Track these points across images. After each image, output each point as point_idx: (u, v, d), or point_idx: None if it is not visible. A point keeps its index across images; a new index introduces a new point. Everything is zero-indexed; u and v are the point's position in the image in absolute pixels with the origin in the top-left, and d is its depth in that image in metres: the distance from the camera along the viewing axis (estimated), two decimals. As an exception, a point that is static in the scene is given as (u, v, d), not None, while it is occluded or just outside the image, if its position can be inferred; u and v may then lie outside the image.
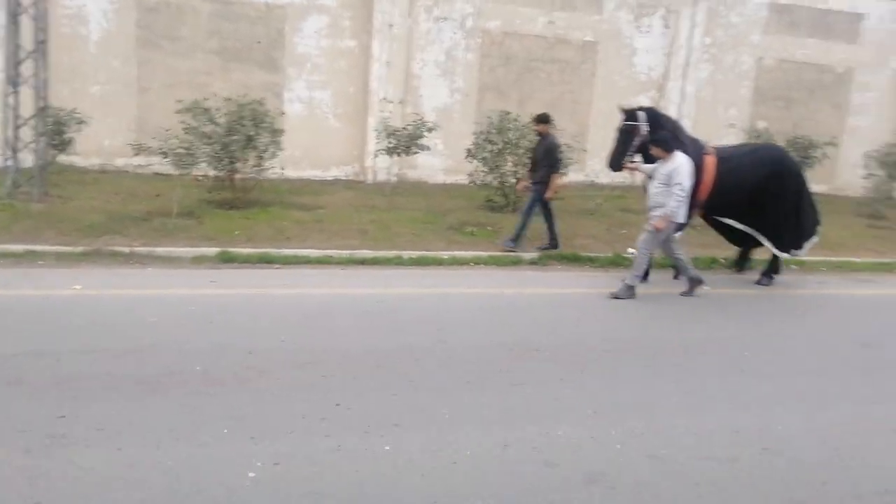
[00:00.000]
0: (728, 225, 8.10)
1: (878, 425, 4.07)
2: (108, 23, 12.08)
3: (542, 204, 8.83)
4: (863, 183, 14.67)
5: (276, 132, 9.99)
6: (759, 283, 8.11)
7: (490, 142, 10.85)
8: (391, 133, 11.23)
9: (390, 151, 11.37)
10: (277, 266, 7.75)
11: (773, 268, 8.21)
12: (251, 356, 4.49)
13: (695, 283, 7.19)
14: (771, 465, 3.47)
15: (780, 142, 12.80)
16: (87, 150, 12.10)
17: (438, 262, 8.38)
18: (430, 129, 11.04)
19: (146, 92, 12.38)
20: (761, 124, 14.88)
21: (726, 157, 7.71)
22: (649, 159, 7.35)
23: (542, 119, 8.97)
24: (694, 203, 7.29)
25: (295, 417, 3.65)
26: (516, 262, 8.63)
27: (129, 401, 3.72)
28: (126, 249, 7.64)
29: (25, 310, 5.37)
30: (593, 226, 10.56)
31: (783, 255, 8.08)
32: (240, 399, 3.83)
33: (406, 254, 8.45)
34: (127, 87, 12.31)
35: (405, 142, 11.01)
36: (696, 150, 7.36)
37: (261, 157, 9.93)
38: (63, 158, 11.12)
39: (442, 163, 13.77)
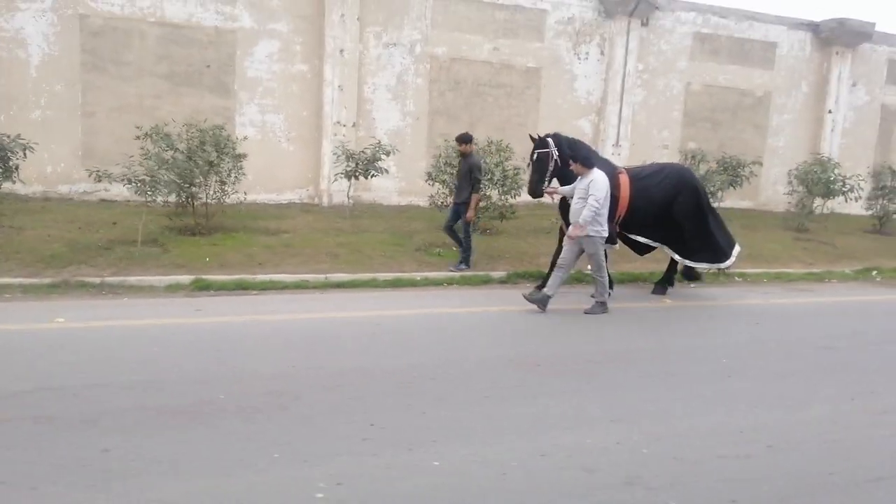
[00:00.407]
0: (637, 241, 8.56)
1: (855, 419, 4.54)
2: (49, 47, 11.67)
3: (466, 226, 9.08)
4: (784, 199, 15.86)
5: (239, 157, 9.94)
6: (654, 292, 8.70)
7: (449, 164, 11.14)
8: (350, 156, 11.37)
9: (348, 175, 11.50)
10: (255, 292, 7.75)
11: (668, 279, 8.86)
12: (274, 381, 4.55)
13: (602, 307, 7.35)
14: (780, 459, 3.84)
15: (712, 162, 13.77)
16: (29, 177, 11.51)
17: (413, 284, 8.57)
18: (387, 153, 11.23)
19: (91, 116, 12.01)
20: (691, 145, 15.89)
21: (637, 176, 8.22)
22: (564, 182, 7.83)
23: (464, 139, 9.10)
24: (612, 218, 7.66)
25: (339, 439, 3.75)
26: (487, 281, 8.92)
27: (172, 432, 3.72)
28: (96, 280, 7.46)
29: (18, 345, 5.19)
30: (552, 244, 10.98)
31: (699, 266, 8.70)
32: (280, 424, 3.90)
33: (381, 276, 8.60)
34: (71, 112, 11.90)
35: (364, 165, 11.17)
36: (609, 169, 7.77)
37: (223, 183, 9.84)
38: (6, 186, 10.62)
39: (395, 185, 13.97)
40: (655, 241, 8.49)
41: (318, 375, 4.75)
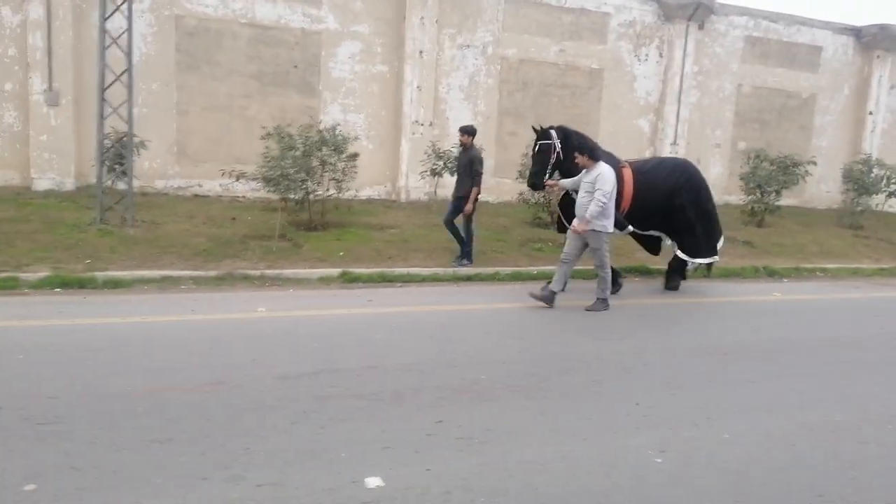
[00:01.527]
0: (642, 235, 8.47)
1: None
2: (147, 46, 11.96)
3: (467, 219, 8.89)
4: (827, 196, 16.51)
5: (353, 156, 10.32)
6: (667, 288, 8.59)
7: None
8: (438, 154, 11.82)
9: (434, 172, 11.95)
10: (399, 284, 8.16)
11: (679, 273, 8.64)
12: (519, 365, 5.01)
13: (603, 304, 7.17)
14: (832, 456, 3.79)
15: (769, 162, 14.28)
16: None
17: (531, 277, 9.01)
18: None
19: (185, 115, 12.32)
20: (741, 144, 16.49)
21: (640, 170, 8.07)
22: (564, 175, 7.66)
23: (468, 131, 8.99)
24: (620, 212, 7.49)
25: (612, 418, 4.19)
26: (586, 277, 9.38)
27: (475, 406, 4.16)
28: (255, 272, 7.84)
29: (250, 333, 5.59)
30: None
31: (693, 262, 8.43)
32: (557, 402, 4.35)
33: (502, 270, 9.03)
34: (166, 110, 12.20)
35: (452, 162, 11.60)
36: (613, 163, 7.52)
37: (338, 181, 10.23)
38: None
39: (466, 182, 14.37)
40: (661, 231, 8.40)
41: (553, 359, 5.21)
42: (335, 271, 8.17)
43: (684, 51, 15.75)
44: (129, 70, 9.20)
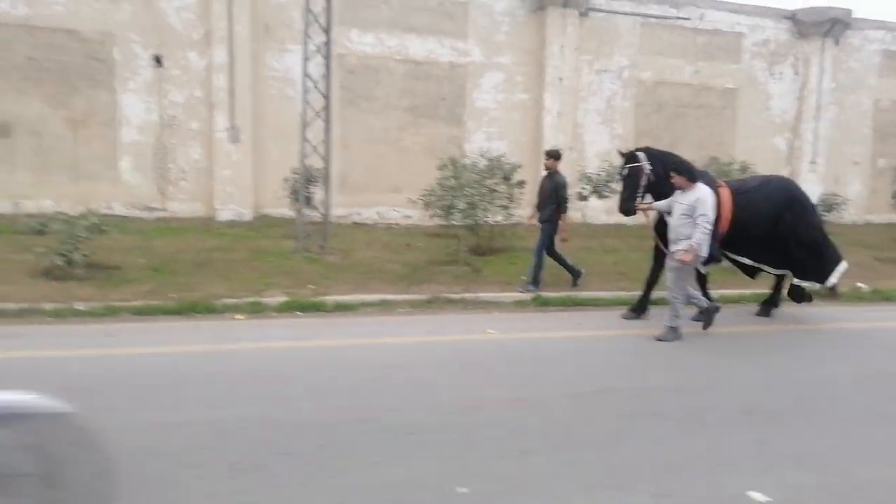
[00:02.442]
0: (745, 263, 7.92)
1: None
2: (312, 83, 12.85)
3: (547, 244, 8.69)
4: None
5: (520, 183, 10.77)
6: (759, 314, 8.07)
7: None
8: (588, 179, 12.13)
9: (582, 196, 12.24)
10: (591, 308, 8.47)
11: (773, 300, 8.12)
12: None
13: (674, 332, 6.69)
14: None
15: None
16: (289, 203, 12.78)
17: (737, 300, 9.01)
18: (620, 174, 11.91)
19: (347, 147, 13.13)
20: (881, 162, 16.08)
21: (738, 190, 7.54)
22: (657, 197, 7.28)
23: (553, 155, 8.79)
24: (715, 236, 6.92)
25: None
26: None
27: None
28: (455, 296, 8.32)
29: (507, 354, 6.04)
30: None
31: (802, 283, 7.86)
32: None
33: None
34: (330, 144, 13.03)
35: (601, 186, 11.88)
36: (709, 183, 7.05)
37: (506, 207, 10.70)
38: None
39: (603, 204, 14.58)
40: (760, 262, 7.82)
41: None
42: (527, 296, 8.57)
43: (820, 67, 15.57)
44: (327, 109, 9.97)
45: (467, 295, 8.39)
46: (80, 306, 7.02)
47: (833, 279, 7.85)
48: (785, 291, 8.09)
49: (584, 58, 14.25)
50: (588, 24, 14.08)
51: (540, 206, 8.81)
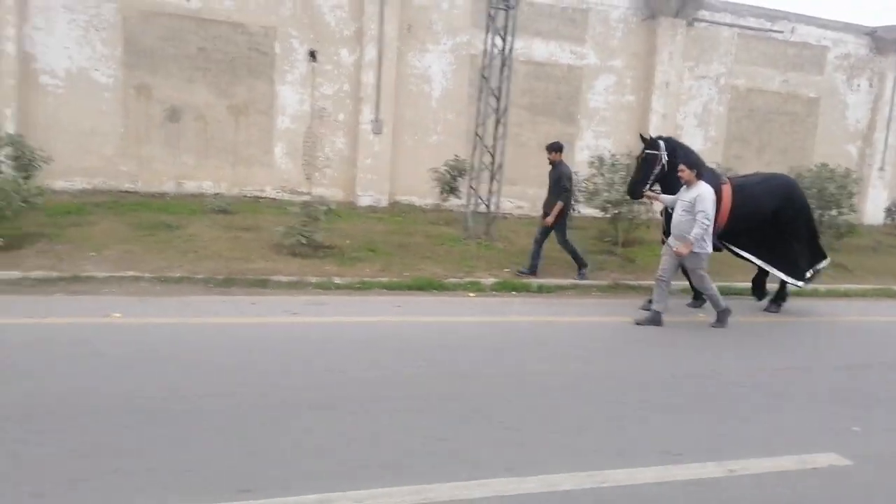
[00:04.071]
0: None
1: None
2: (446, 82, 13.86)
3: (545, 231, 9.08)
4: None
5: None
6: (767, 310, 8.42)
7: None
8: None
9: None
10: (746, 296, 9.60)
11: (781, 295, 8.53)
12: None
13: (725, 314, 7.25)
14: None
15: None
16: (423, 191, 13.82)
17: (844, 295, 10.21)
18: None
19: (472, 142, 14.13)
20: (945, 169, 17.30)
21: (741, 186, 7.89)
22: (668, 189, 7.62)
23: (555, 147, 9.09)
24: (714, 230, 7.27)
25: None
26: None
27: None
28: (633, 282, 9.43)
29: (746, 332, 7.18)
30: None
31: (796, 284, 8.26)
32: None
33: (821, 287, 10.27)
34: (458, 137, 14.05)
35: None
36: (714, 180, 7.46)
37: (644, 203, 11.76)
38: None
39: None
40: (759, 258, 8.22)
41: None
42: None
43: (895, 82, 16.72)
44: (499, 108, 10.96)
45: (642, 282, 9.49)
46: (337, 280, 8.06)
47: (809, 273, 8.30)
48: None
49: (687, 64, 15.30)
50: (692, 33, 15.13)
51: (548, 198, 9.13)
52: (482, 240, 10.73)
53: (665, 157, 7.58)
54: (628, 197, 8.11)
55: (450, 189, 12.38)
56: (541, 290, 8.72)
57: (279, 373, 4.76)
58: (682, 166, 7.11)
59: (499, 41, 10.97)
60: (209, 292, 7.27)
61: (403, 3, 13.23)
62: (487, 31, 11.13)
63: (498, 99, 11.04)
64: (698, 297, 8.27)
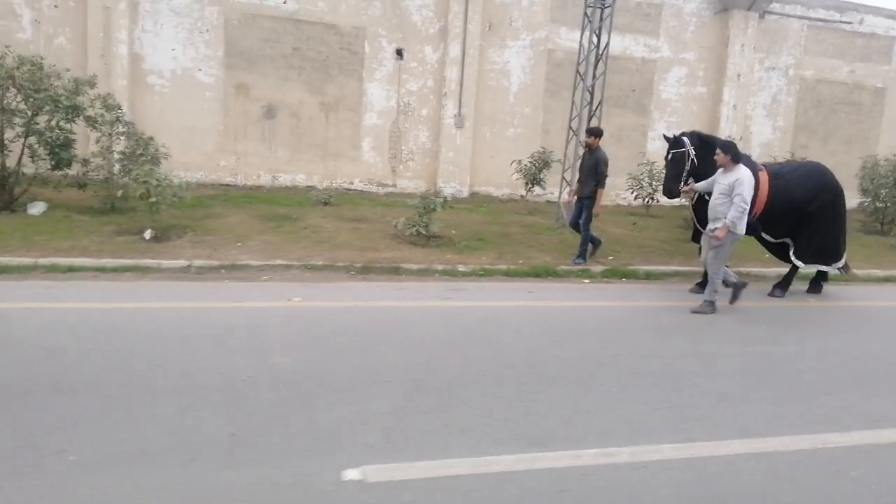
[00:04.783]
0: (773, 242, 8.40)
1: None
2: (524, 77, 14.28)
3: (578, 218, 9.12)
4: None
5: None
6: (771, 294, 8.35)
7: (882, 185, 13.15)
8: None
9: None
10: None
11: (787, 281, 8.49)
12: None
13: (712, 305, 7.15)
14: None
15: None
16: (500, 183, 14.28)
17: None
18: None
19: (547, 133, 14.55)
20: None
21: (777, 175, 7.94)
22: (699, 180, 7.62)
23: (595, 132, 9.04)
24: (750, 217, 7.27)
25: None
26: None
27: None
28: (743, 269, 9.78)
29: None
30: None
31: (827, 269, 8.40)
32: None
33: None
34: (534, 129, 14.49)
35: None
36: (751, 167, 7.37)
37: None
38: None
39: (764, 191, 16.04)
40: (779, 237, 8.29)
41: None
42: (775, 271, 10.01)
43: (962, 70, 16.80)
44: (591, 103, 11.35)
45: (753, 269, 9.81)
46: (461, 268, 8.56)
47: (839, 264, 8.42)
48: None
49: (757, 56, 15.55)
50: (763, 25, 15.36)
51: (581, 182, 9.13)
52: (571, 229, 11.14)
53: (692, 153, 7.61)
54: (666, 197, 8.09)
55: (534, 181, 12.81)
56: (648, 276, 9.15)
57: (511, 349, 5.40)
58: (718, 150, 7.08)
59: (592, 38, 11.31)
60: (352, 278, 7.81)
61: (486, 1, 13.65)
62: (583, 30, 11.49)
63: (591, 94, 11.39)
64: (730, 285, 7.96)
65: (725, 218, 6.88)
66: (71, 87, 8.90)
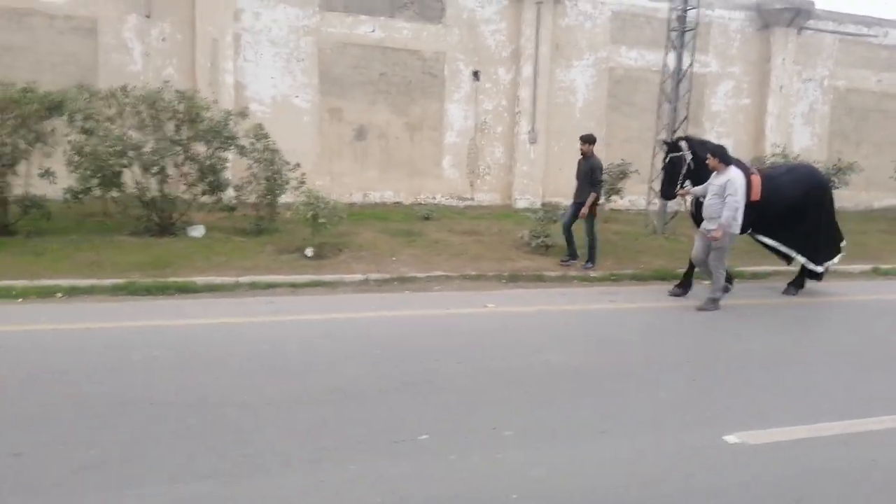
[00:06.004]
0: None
1: None
2: (588, 93, 15.25)
3: (572, 222, 9.46)
4: None
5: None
6: (785, 292, 8.75)
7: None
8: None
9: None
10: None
11: (800, 280, 8.85)
12: None
13: (716, 302, 7.51)
14: None
15: None
16: (568, 193, 15.16)
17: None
18: (849, 167, 14.50)
19: (609, 147, 15.48)
20: None
21: (769, 177, 8.19)
22: (699, 184, 7.89)
23: (588, 140, 9.46)
24: (744, 218, 7.53)
25: None
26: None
27: None
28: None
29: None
30: None
31: (816, 269, 8.65)
32: None
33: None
34: (597, 143, 15.37)
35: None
36: (743, 170, 7.65)
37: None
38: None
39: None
40: (783, 244, 8.56)
41: None
42: (866, 267, 11.01)
43: (980, 76, 18.13)
44: (675, 118, 12.30)
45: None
46: (592, 275, 9.41)
47: (827, 263, 8.72)
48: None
49: (796, 68, 16.70)
50: (800, 40, 16.53)
51: (579, 188, 9.50)
52: (666, 235, 12.09)
53: (689, 157, 7.98)
54: (663, 199, 8.56)
55: (615, 190, 13.71)
56: (755, 276, 10.08)
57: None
58: (708, 155, 7.49)
59: (674, 58, 12.27)
60: (506, 286, 8.62)
61: (554, 25, 14.61)
62: (666, 50, 12.46)
63: (675, 110, 12.35)
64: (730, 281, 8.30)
65: (720, 218, 7.27)
66: (222, 118, 9.62)
